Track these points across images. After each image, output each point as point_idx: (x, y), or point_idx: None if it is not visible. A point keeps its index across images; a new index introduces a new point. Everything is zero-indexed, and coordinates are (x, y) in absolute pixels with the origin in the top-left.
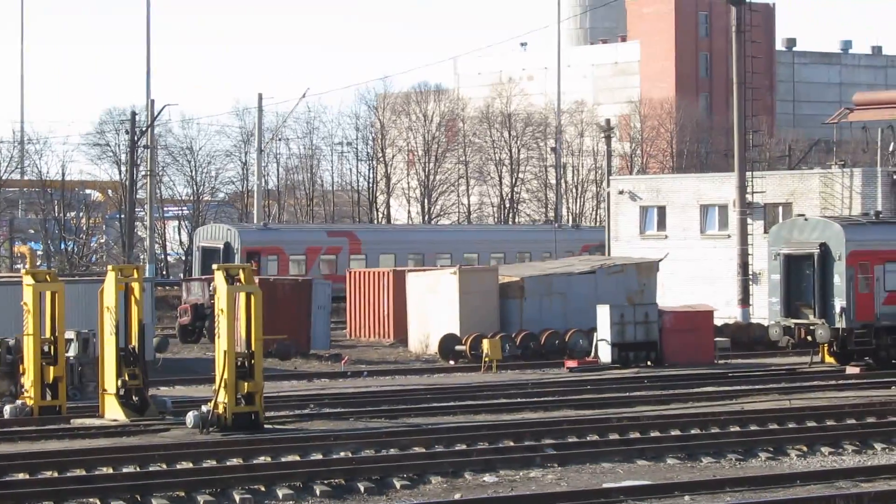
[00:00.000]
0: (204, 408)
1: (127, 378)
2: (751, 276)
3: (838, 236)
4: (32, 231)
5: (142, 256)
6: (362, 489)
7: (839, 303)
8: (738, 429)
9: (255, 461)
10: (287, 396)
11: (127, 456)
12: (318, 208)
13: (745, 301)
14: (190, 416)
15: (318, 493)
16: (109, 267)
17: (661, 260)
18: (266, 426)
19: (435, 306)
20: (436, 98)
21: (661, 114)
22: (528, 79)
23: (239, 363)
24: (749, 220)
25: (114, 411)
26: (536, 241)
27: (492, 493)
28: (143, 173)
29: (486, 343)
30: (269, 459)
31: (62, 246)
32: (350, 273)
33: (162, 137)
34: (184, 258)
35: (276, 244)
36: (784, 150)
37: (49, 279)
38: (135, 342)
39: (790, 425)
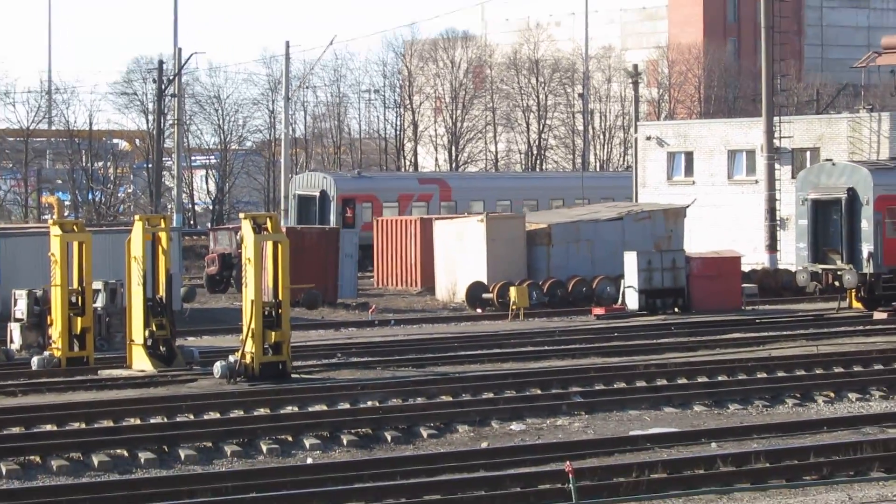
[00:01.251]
0: (231, 358)
1: (154, 328)
2: (778, 222)
3: (866, 180)
4: (60, 181)
5: (169, 206)
6: (389, 438)
7: (867, 248)
8: (764, 375)
9: (281, 411)
10: (314, 346)
11: (154, 407)
12: (346, 156)
13: (772, 247)
14: (217, 367)
15: (345, 442)
16: (136, 217)
17: (688, 206)
18: (293, 376)
19: (462, 254)
20: (463, 45)
21: (689, 59)
22: (555, 24)
23: (266, 312)
24: (777, 166)
25: (141, 362)
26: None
27: (518, 442)
28: (171, 122)
29: (513, 291)
30: (296, 409)
31: (90, 196)
32: (377, 221)
33: (189, 86)
34: (211, 208)
35: (369, 192)
36: (812, 94)
37: (76, 229)
38: (162, 292)
39: (817, 371)
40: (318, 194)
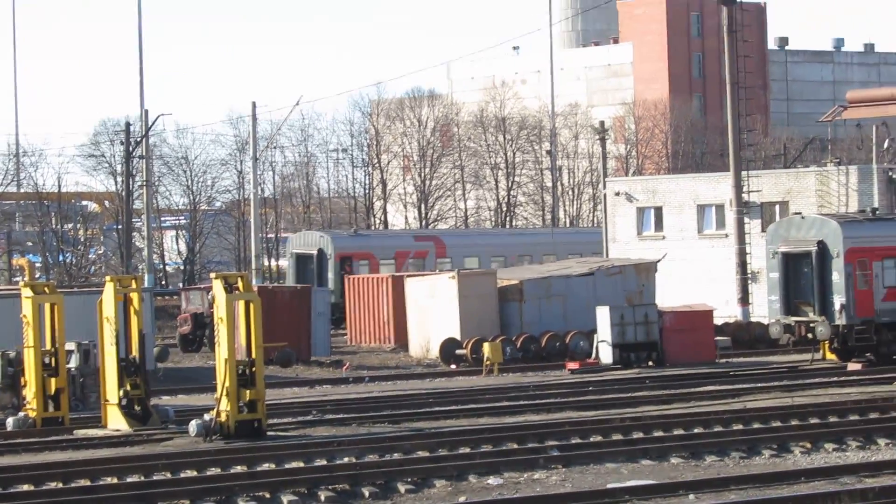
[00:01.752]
0: (206, 416)
1: (129, 388)
2: (749, 275)
3: (836, 233)
4: (30, 243)
5: (140, 267)
6: (367, 494)
7: (839, 300)
8: (741, 427)
9: (259, 468)
10: (289, 403)
11: (131, 465)
12: (316, 215)
13: (744, 300)
14: (193, 425)
15: (322, 498)
16: (108, 278)
17: (659, 260)
18: (269, 433)
19: (435, 311)
20: (430, 103)
21: (656, 115)
22: (521, 82)
23: (240, 371)
24: (746, 220)
25: (117, 421)
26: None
27: (496, 496)
28: (139, 183)
29: (486, 346)
30: (273, 466)
31: (60, 258)
32: (348, 279)
33: (157, 147)
34: (182, 268)
35: (366, 249)
36: (779, 148)
37: (48, 291)
38: (135, 352)
39: (793, 422)
40: (315, 253)
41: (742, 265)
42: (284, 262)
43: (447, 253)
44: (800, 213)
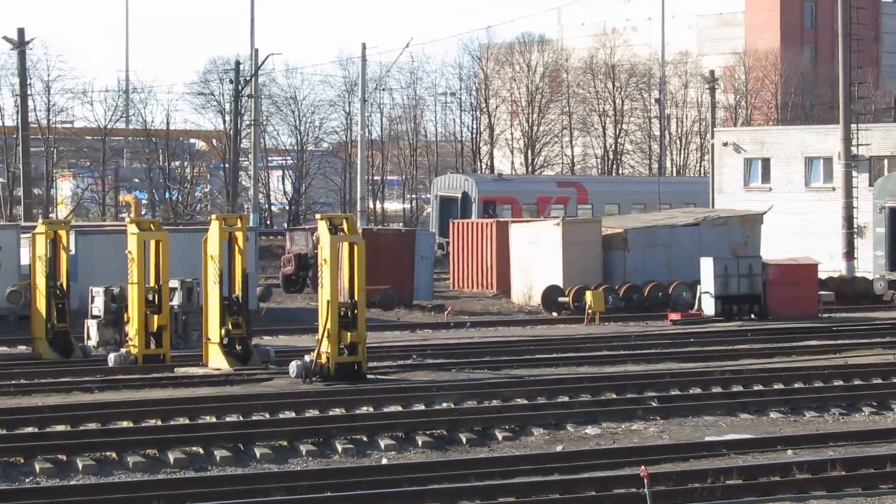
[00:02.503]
0: (307, 357)
1: (230, 327)
2: (855, 230)
3: None
4: (137, 180)
5: (246, 206)
6: (464, 440)
7: None
8: (841, 383)
9: (357, 411)
10: (390, 347)
11: (230, 405)
12: (422, 158)
13: (849, 254)
14: (293, 366)
15: (419, 443)
16: (213, 216)
17: (765, 212)
18: (369, 376)
19: (538, 258)
20: (539, 48)
21: (766, 65)
22: (632, 29)
23: (342, 313)
24: (854, 173)
25: (217, 360)
26: None
27: (594, 445)
28: (247, 123)
29: (589, 295)
30: (371, 410)
31: (166, 195)
32: (453, 224)
33: (266, 87)
34: (288, 208)
35: (509, 194)
36: (890, 102)
37: (153, 228)
38: (238, 291)
39: (894, 380)
40: (459, 196)
41: (848, 219)
42: (428, 207)
43: (588, 199)
44: None
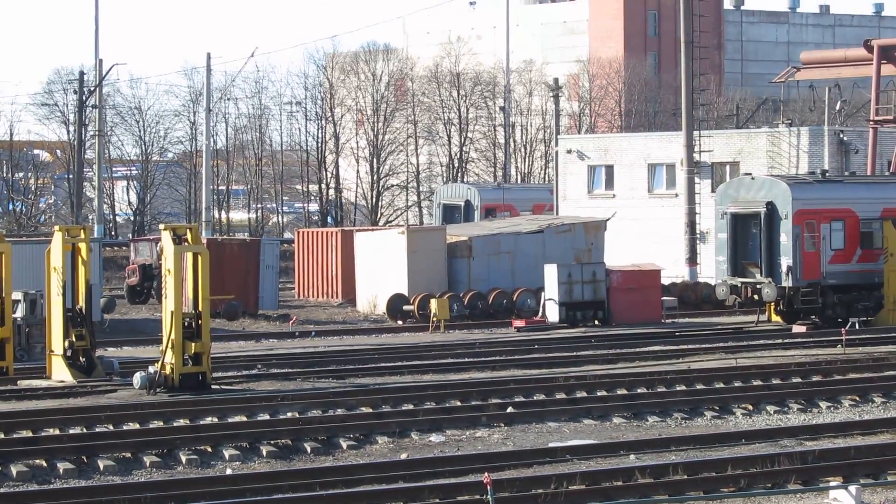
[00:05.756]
0: (151, 368)
1: (74, 339)
2: (698, 235)
3: (785, 195)
4: None
5: (90, 217)
6: (309, 449)
7: (785, 261)
8: (684, 388)
9: (201, 422)
10: (235, 357)
11: (73, 417)
12: (268, 168)
13: (692, 260)
14: (137, 377)
15: (264, 453)
16: (56, 227)
17: (608, 219)
18: (213, 387)
19: (383, 266)
20: (384, 57)
21: (610, 73)
22: (476, 38)
23: (186, 323)
24: (696, 179)
25: (61, 372)
26: None
27: (438, 453)
28: (92, 133)
29: (433, 303)
30: (215, 420)
31: (10, 206)
32: (298, 233)
33: (110, 97)
34: (133, 219)
35: (508, 201)
36: (732, 109)
37: None
38: (82, 303)
39: (736, 384)
40: (462, 204)
41: (691, 225)
42: (429, 215)
43: None
44: (750, 174)
